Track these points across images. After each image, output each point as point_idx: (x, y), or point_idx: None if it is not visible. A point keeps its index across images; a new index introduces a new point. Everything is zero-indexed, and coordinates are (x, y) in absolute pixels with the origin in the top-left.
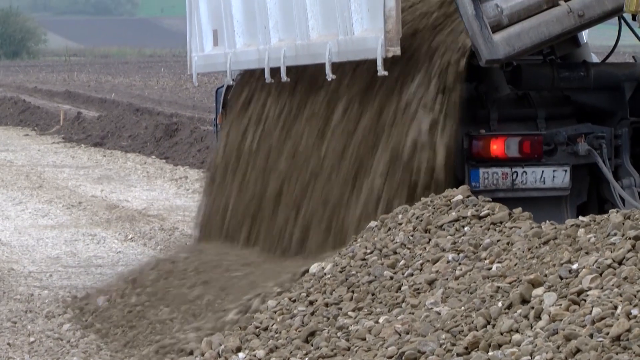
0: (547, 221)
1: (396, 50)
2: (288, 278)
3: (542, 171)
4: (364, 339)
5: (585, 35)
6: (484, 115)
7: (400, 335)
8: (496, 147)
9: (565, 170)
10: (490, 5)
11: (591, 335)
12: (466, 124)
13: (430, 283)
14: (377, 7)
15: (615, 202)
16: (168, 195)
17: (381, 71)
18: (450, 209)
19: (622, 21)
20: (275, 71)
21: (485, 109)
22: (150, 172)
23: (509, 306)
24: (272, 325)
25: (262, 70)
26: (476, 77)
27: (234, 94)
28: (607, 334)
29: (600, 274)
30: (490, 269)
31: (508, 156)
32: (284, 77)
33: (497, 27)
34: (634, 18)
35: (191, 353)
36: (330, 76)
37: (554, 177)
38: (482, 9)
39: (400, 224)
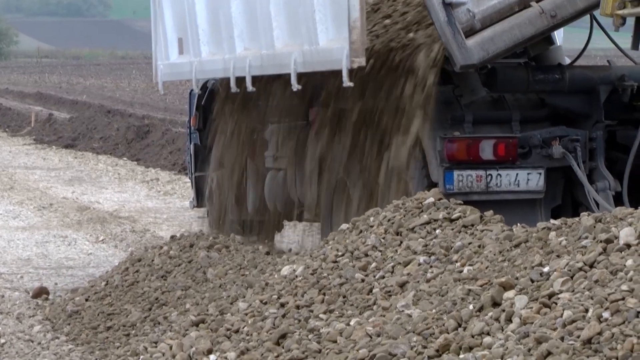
0: (519, 224)
1: (361, 61)
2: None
3: (517, 174)
4: (335, 342)
5: (559, 38)
6: (458, 117)
7: (371, 337)
8: (471, 150)
9: (540, 173)
10: (462, 11)
11: (562, 338)
12: (441, 126)
13: (402, 285)
14: (342, 17)
15: (590, 205)
16: (139, 197)
17: (346, 82)
18: (422, 211)
19: (595, 22)
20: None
21: (459, 112)
22: (121, 174)
23: (480, 309)
24: (243, 328)
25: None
26: (452, 79)
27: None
28: (578, 337)
29: (572, 277)
30: (461, 271)
31: (482, 159)
32: (249, 86)
33: (470, 32)
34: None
35: (162, 355)
36: (295, 86)
37: (529, 179)
38: (454, 14)
39: (372, 226)
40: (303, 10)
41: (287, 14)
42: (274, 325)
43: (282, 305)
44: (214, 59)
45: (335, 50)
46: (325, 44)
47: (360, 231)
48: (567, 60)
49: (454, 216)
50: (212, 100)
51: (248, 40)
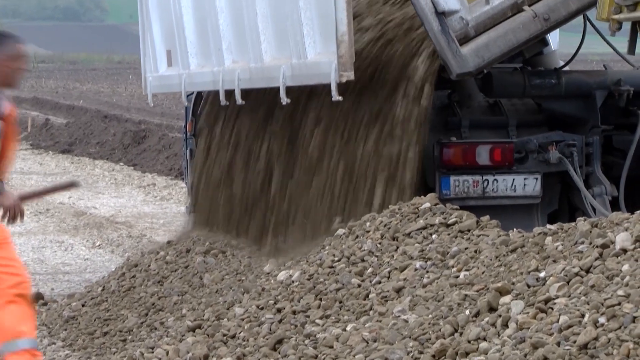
0: (515, 229)
1: (350, 75)
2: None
3: (513, 179)
4: (332, 347)
5: (555, 42)
6: (455, 122)
7: (367, 343)
8: (467, 155)
9: (536, 178)
10: (455, 19)
11: (558, 344)
12: (437, 131)
13: (398, 291)
14: (329, 31)
15: (586, 210)
16: (136, 202)
17: (335, 96)
18: (418, 216)
19: (591, 26)
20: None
21: (456, 117)
22: (118, 179)
23: (477, 314)
24: (240, 333)
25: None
26: (448, 85)
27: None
28: (575, 342)
29: (568, 282)
30: (457, 276)
31: (479, 164)
32: (238, 100)
33: (464, 40)
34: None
35: None
36: (284, 100)
37: (525, 185)
38: (447, 23)
39: (368, 231)
40: (291, 24)
41: (275, 27)
42: (270, 330)
43: (279, 310)
44: (202, 72)
45: (323, 64)
46: (314, 57)
47: (357, 236)
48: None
49: (450, 221)
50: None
51: (236, 53)
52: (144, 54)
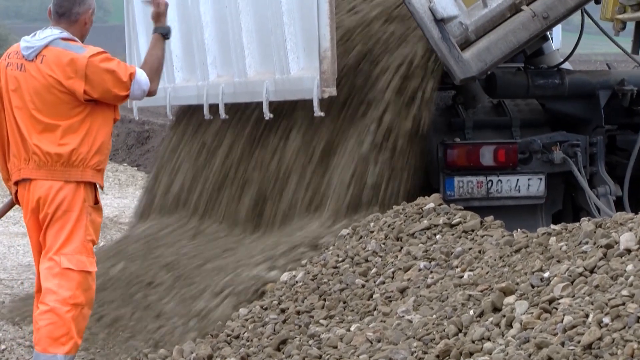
0: (519, 229)
1: (332, 91)
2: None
3: (517, 180)
4: (336, 347)
5: (558, 42)
6: (458, 123)
7: (371, 343)
8: (471, 156)
9: (540, 179)
10: (454, 25)
11: (562, 344)
12: (441, 132)
13: (402, 291)
14: (313, 47)
15: (591, 210)
16: None
17: (317, 112)
18: (422, 217)
19: (593, 23)
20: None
21: (459, 118)
22: (122, 179)
23: (481, 314)
24: (244, 333)
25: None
26: (453, 86)
27: None
28: (579, 342)
29: (572, 282)
30: (461, 277)
31: (483, 165)
32: (222, 114)
33: (465, 44)
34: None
35: None
36: (268, 115)
37: (529, 185)
38: (447, 29)
39: (372, 231)
40: (275, 39)
41: (259, 42)
42: (274, 331)
43: (283, 311)
44: (187, 85)
45: (306, 80)
46: (297, 73)
47: (361, 237)
48: (568, 65)
49: (454, 221)
50: None
51: (221, 68)
52: None
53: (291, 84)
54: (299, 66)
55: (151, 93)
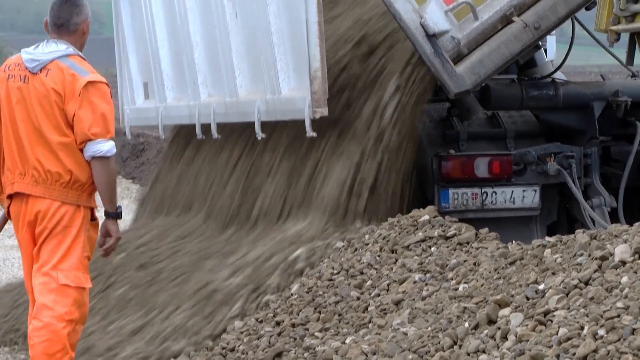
0: (514, 241)
1: (323, 111)
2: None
3: (512, 191)
4: None
5: (552, 52)
6: (453, 135)
7: (367, 355)
8: (465, 168)
9: (535, 190)
10: (446, 39)
11: (558, 356)
12: (435, 144)
13: (397, 303)
14: (303, 67)
15: (585, 221)
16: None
17: (309, 132)
18: (417, 229)
19: (588, 34)
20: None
21: (454, 129)
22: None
23: (476, 327)
24: (239, 346)
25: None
26: (447, 98)
27: None
28: (574, 354)
29: (567, 295)
30: (457, 289)
31: (478, 176)
32: (214, 134)
33: (458, 58)
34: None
35: None
36: (260, 135)
37: (524, 197)
38: (439, 44)
39: (367, 244)
40: (265, 59)
41: (249, 62)
42: (269, 343)
43: (278, 323)
44: (179, 105)
45: (297, 100)
46: (288, 93)
47: (356, 249)
48: (562, 76)
49: (449, 234)
50: None
51: (212, 87)
52: (121, 85)
53: (282, 104)
54: (289, 86)
55: (106, 163)
